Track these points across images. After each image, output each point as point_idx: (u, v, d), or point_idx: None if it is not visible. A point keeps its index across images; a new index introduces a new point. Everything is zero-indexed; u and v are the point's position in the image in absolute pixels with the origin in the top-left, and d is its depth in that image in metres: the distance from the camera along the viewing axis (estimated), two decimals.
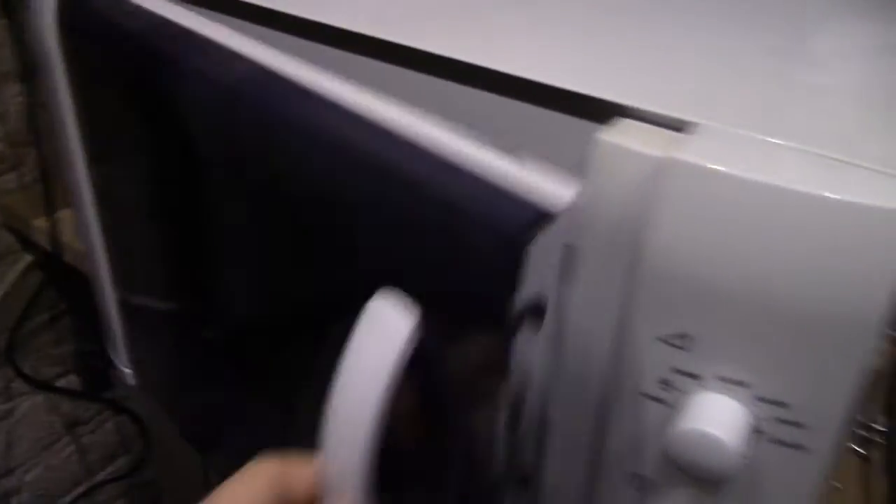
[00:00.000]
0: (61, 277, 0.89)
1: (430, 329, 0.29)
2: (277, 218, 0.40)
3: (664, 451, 0.29)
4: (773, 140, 0.28)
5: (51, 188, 0.82)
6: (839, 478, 0.54)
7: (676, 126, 0.29)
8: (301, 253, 0.40)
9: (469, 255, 0.29)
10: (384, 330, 0.29)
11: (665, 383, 0.30)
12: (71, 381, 0.98)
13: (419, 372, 0.30)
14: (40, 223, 0.84)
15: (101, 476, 1.08)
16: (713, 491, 0.30)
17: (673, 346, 0.29)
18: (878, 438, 0.56)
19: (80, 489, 1.06)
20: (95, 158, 0.57)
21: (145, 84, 0.47)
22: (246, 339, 0.51)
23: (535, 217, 0.26)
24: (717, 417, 0.28)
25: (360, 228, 0.34)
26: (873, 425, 0.57)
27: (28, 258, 0.91)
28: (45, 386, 0.95)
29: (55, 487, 1.03)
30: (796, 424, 0.28)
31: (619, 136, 0.29)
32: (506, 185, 0.27)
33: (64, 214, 0.84)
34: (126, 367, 0.64)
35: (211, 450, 0.62)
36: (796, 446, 0.28)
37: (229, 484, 0.31)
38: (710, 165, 0.26)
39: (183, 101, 0.43)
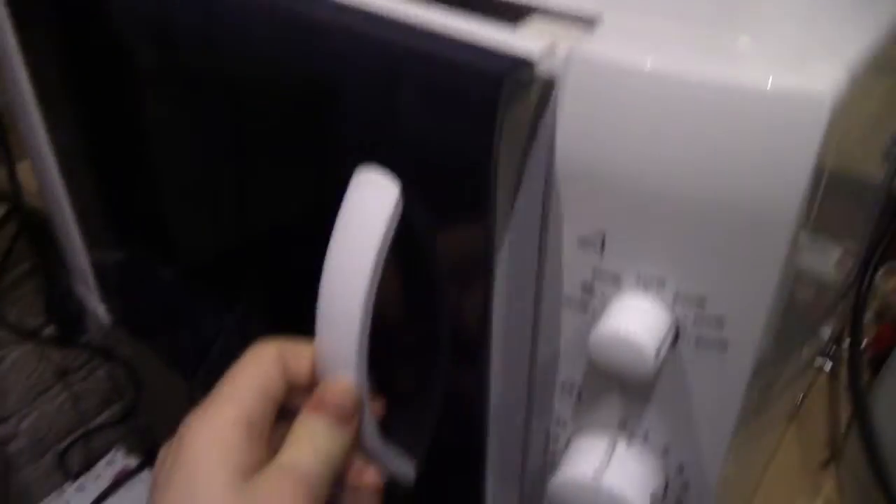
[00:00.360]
0: (33, 226, 0.88)
1: (412, 200, 0.30)
2: (243, 116, 0.39)
3: (587, 355, 0.28)
4: (679, 31, 0.26)
5: (7, 138, 0.81)
6: (808, 395, 0.54)
7: (585, 21, 0.28)
8: (272, 150, 0.39)
9: (447, 107, 0.28)
10: (370, 201, 0.30)
11: (587, 288, 0.29)
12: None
13: (405, 249, 0.31)
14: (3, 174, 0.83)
15: (95, 422, 1.10)
16: (640, 394, 0.30)
17: (591, 246, 0.28)
18: (844, 356, 0.56)
19: (76, 435, 1.07)
20: (47, 100, 0.56)
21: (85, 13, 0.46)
22: (221, 258, 0.51)
23: (512, 64, 0.26)
24: (635, 318, 0.27)
25: (340, 106, 0.33)
26: (841, 344, 0.56)
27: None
28: (30, 334, 0.96)
29: (51, 434, 1.05)
30: (717, 321, 0.27)
31: (530, 33, 0.28)
32: (477, 42, 0.27)
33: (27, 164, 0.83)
34: (99, 304, 0.64)
35: (197, 374, 0.62)
36: (720, 344, 0.27)
37: (237, 365, 0.32)
38: (613, 58, 0.25)
39: (124, 19, 0.43)
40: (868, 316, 0.60)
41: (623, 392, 0.30)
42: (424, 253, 0.32)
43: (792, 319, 0.32)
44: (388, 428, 0.36)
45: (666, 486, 0.32)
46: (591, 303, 0.29)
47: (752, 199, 0.24)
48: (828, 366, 0.56)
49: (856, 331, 0.48)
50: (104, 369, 1.08)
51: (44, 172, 0.59)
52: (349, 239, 0.30)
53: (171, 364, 0.64)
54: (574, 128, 0.26)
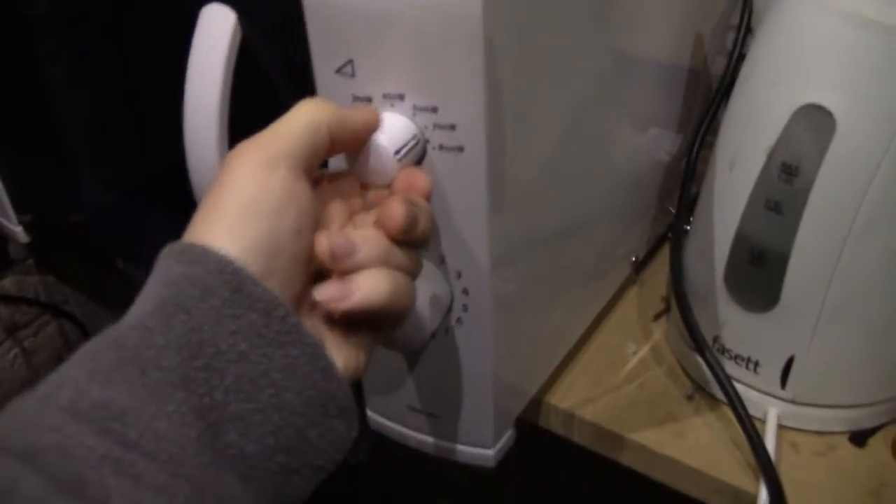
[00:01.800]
0: None
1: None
2: None
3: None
4: None
5: None
6: (657, 259, 0.60)
7: None
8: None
9: None
10: (214, 26, 0.40)
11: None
12: (2, 285, 1.03)
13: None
14: None
15: None
16: None
17: (345, 75, 0.33)
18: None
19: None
20: None
21: None
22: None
23: None
24: (384, 130, 0.32)
25: None
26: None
27: None
28: None
29: (3, 389, 1.10)
30: (450, 127, 0.32)
31: None
32: None
33: None
34: (16, 226, 0.68)
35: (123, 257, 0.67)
36: (456, 148, 0.33)
37: (289, 113, 0.30)
38: None
39: None
40: None
41: None
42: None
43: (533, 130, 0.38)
44: None
45: (452, 291, 0.38)
46: None
47: (445, 14, 0.30)
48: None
49: (681, 206, 0.54)
50: (53, 326, 1.12)
51: None
52: (204, 55, 0.40)
53: (99, 262, 0.70)
54: None
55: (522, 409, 0.47)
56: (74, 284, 1.07)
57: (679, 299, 0.47)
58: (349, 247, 0.29)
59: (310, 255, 0.29)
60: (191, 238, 0.28)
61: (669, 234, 0.62)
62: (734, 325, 0.45)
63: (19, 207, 0.67)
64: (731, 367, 0.46)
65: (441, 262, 0.37)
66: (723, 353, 0.47)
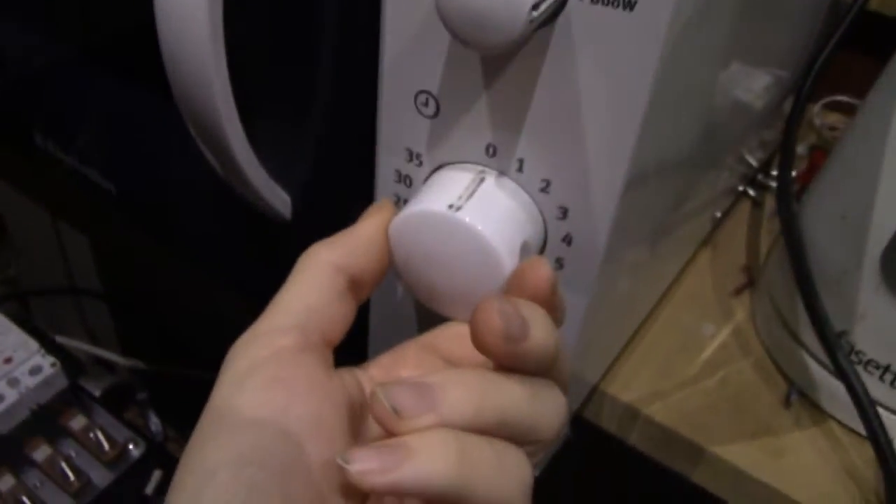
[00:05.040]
0: None
1: None
2: None
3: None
4: None
5: None
6: (727, 224, 0.48)
7: None
8: None
9: None
10: None
11: None
12: None
13: None
14: None
15: None
16: (511, 102, 0.22)
17: None
18: (771, 184, 0.50)
19: None
20: None
21: None
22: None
23: None
24: None
25: None
26: (770, 173, 0.51)
27: None
28: None
29: None
30: None
31: None
32: None
33: None
34: None
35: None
36: (624, 3, 0.19)
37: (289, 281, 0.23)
38: None
39: None
40: (803, 149, 0.54)
41: (491, 101, 0.23)
42: None
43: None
44: (259, 149, 0.28)
45: (545, 238, 0.25)
46: None
47: None
48: (752, 193, 0.50)
49: (786, 155, 0.42)
50: None
51: None
52: None
53: (12, 132, 0.54)
54: None
55: (581, 402, 0.35)
56: None
57: (802, 279, 0.35)
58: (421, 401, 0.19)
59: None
60: None
61: (750, 191, 0.50)
62: (880, 321, 0.34)
63: None
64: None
65: (544, 189, 0.24)
66: (848, 355, 0.35)
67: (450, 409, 0.19)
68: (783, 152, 0.42)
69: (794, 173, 0.50)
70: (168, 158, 0.37)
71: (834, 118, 0.56)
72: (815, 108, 0.56)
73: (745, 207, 0.50)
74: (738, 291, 0.43)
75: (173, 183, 0.39)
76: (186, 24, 0.24)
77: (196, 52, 0.24)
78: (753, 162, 0.49)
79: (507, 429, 0.20)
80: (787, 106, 0.44)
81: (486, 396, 0.19)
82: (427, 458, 0.18)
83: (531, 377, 0.20)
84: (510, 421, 0.20)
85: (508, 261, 0.23)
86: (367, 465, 0.18)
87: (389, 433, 0.19)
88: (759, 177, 0.50)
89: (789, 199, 0.39)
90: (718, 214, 0.45)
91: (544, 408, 0.21)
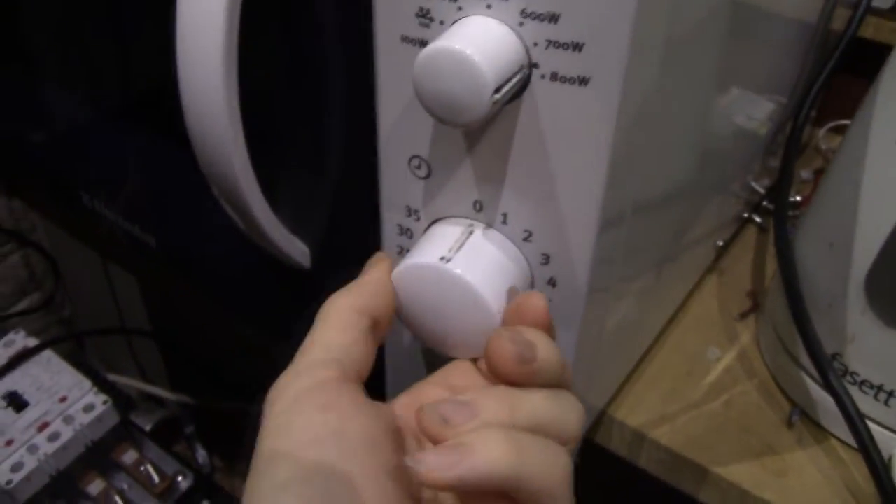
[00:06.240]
0: None
1: None
2: None
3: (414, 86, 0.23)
4: None
5: None
6: (734, 250, 0.50)
7: None
8: None
9: None
10: None
11: (424, 14, 0.23)
12: None
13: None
14: None
15: (13, 309, 1.04)
16: (493, 165, 0.25)
17: None
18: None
19: None
20: None
21: None
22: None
23: None
24: (471, 36, 0.21)
25: None
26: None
27: None
28: None
29: None
30: (574, 46, 0.21)
31: None
32: None
33: None
34: None
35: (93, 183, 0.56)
36: (578, 80, 0.22)
37: (314, 329, 0.26)
38: None
39: None
40: (808, 174, 0.55)
41: (474, 164, 0.25)
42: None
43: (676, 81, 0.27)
44: (279, 206, 0.32)
45: (532, 283, 0.27)
46: (430, 38, 0.23)
47: None
48: (758, 220, 0.51)
49: (784, 183, 0.44)
50: (18, 255, 1.01)
51: None
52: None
53: (63, 193, 0.58)
54: None
55: (588, 426, 0.37)
56: (42, 211, 0.95)
57: (794, 304, 0.37)
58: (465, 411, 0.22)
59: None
60: None
61: (756, 217, 0.52)
62: (867, 342, 0.35)
63: None
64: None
65: (527, 239, 0.26)
66: (843, 376, 0.37)
67: (489, 414, 0.22)
68: (781, 179, 0.44)
69: (799, 198, 0.52)
70: (201, 214, 0.41)
71: (839, 142, 0.57)
72: (821, 133, 0.58)
73: (751, 233, 0.51)
74: (743, 316, 0.45)
75: (207, 236, 0.42)
76: (206, 100, 0.28)
77: (216, 130, 0.28)
78: (759, 188, 0.51)
79: (541, 429, 0.22)
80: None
81: (516, 405, 0.22)
82: (486, 450, 0.20)
83: (547, 388, 0.23)
84: (542, 421, 0.23)
85: (495, 305, 0.25)
86: (435, 464, 0.20)
87: (439, 442, 0.21)
88: (765, 203, 0.52)
89: (784, 226, 0.41)
90: (721, 243, 0.47)
91: (567, 408, 0.24)
